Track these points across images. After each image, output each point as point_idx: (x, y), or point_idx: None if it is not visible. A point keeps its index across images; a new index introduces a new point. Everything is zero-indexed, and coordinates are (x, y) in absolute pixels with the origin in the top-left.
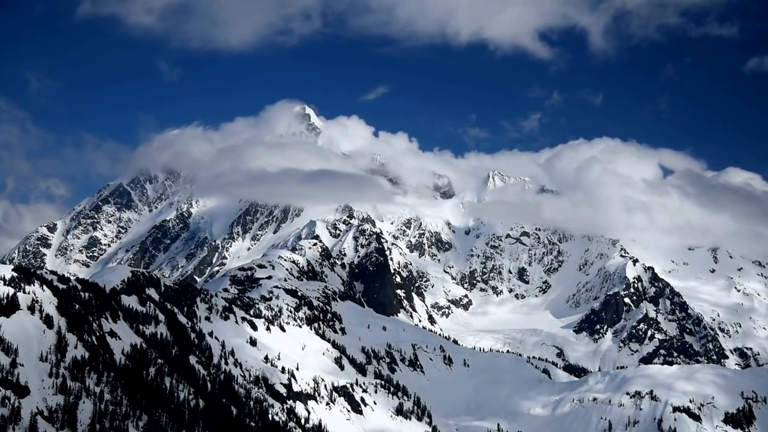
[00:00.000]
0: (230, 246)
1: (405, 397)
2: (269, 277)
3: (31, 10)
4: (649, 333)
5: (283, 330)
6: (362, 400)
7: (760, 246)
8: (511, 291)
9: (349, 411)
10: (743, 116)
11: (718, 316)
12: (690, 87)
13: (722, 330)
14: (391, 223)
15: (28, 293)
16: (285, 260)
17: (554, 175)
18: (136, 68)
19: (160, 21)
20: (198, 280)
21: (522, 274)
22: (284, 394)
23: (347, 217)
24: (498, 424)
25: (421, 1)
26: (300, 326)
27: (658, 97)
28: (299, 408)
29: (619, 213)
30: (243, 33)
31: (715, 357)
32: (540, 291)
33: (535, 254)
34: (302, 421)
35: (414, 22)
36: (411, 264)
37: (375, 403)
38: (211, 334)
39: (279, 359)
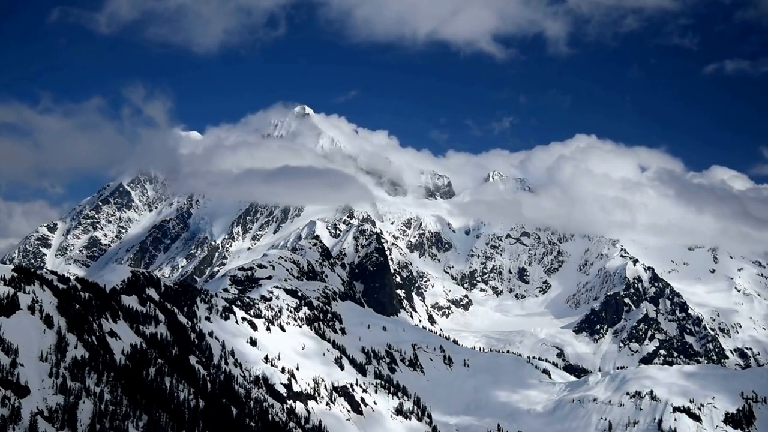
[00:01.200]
0: (230, 246)
1: (405, 397)
2: (269, 277)
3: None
4: (649, 333)
5: (283, 330)
6: (362, 400)
7: (742, 244)
8: (511, 291)
9: (349, 411)
10: (711, 115)
11: (718, 316)
12: (654, 88)
13: (722, 330)
14: (392, 223)
15: (28, 293)
16: (285, 260)
17: (536, 174)
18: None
19: (131, 26)
20: (198, 280)
21: (522, 274)
22: (284, 394)
23: (347, 217)
24: (498, 424)
25: (379, 2)
26: (300, 326)
27: (625, 98)
28: (299, 408)
29: (602, 211)
30: (213, 40)
31: (715, 357)
32: (540, 291)
33: (535, 254)
34: (302, 421)
35: (374, 23)
36: (411, 264)
37: (375, 403)
38: (211, 334)
39: (279, 359)
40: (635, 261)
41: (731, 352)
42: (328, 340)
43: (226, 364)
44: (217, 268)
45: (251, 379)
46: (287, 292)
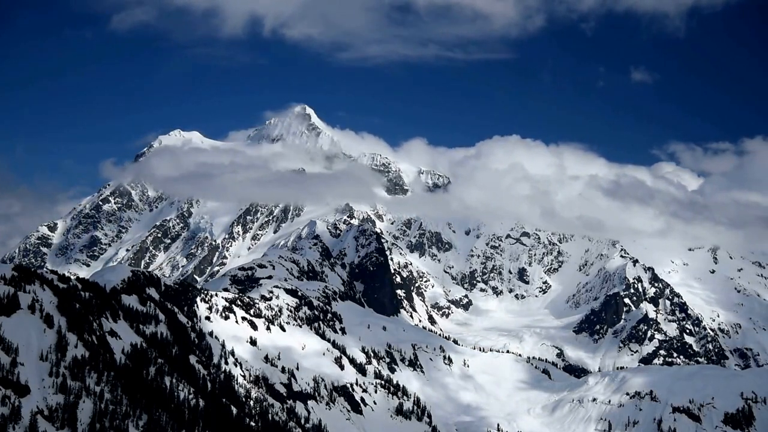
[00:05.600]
0: (230, 246)
1: (405, 397)
2: (269, 277)
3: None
4: (649, 333)
5: (284, 330)
6: (362, 400)
7: (667, 241)
8: (511, 291)
9: (349, 411)
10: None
11: (718, 316)
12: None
13: (722, 330)
14: (392, 223)
15: (29, 292)
16: (285, 260)
17: (465, 170)
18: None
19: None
20: (198, 279)
21: (522, 274)
22: (284, 394)
23: (347, 217)
24: (498, 424)
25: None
26: (300, 326)
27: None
28: (299, 408)
29: (525, 203)
30: None
31: (714, 357)
32: (540, 291)
33: (535, 254)
34: (302, 421)
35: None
36: (411, 264)
37: (375, 403)
38: (211, 334)
39: (279, 359)
40: (635, 261)
41: (731, 353)
42: (328, 340)
43: (226, 363)
44: (217, 268)
45: (251, 378)
46: (287, 291)
